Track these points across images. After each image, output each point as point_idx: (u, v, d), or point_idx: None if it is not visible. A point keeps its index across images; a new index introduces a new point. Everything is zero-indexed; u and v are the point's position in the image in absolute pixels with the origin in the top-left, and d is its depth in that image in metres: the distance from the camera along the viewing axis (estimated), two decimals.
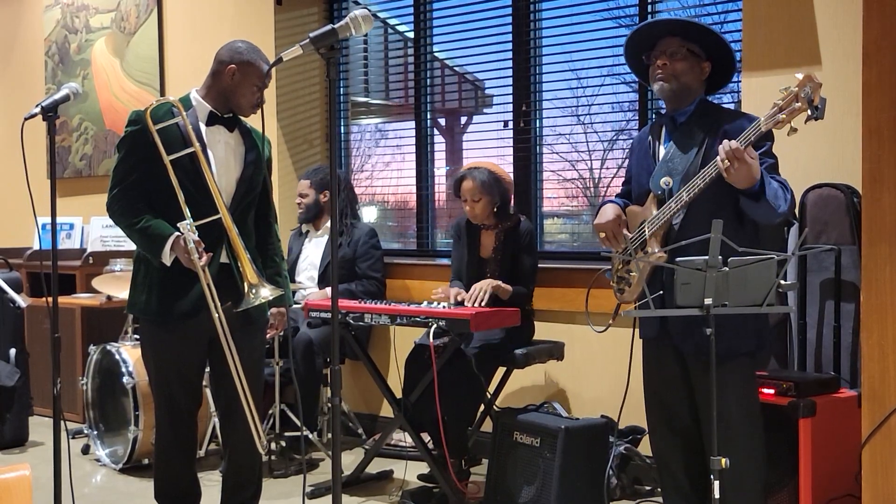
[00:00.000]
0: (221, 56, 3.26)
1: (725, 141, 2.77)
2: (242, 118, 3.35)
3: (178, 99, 3.29)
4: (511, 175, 4.48)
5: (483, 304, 3.98)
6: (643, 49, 3.14)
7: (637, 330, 3.21)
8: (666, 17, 4.37)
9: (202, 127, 3.25)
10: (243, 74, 3.22)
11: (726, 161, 2.74)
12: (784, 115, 2.72)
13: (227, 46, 3.27)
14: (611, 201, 3.25)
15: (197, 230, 3.13)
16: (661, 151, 3.13)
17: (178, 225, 3.11)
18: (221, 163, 3.26)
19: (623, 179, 3.41)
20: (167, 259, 3.16)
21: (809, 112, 2.71)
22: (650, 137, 3.19)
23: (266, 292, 3.14)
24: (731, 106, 3.96)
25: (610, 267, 3.22)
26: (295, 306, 4.63)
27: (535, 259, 4.28)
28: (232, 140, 3.30)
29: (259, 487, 3.48)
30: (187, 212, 3.13)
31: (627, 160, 3.44)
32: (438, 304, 4.02)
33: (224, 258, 3.22)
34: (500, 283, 4.08)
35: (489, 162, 4.47)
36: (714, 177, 2.84)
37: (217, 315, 3.10)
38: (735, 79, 4.04)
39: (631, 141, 3.65)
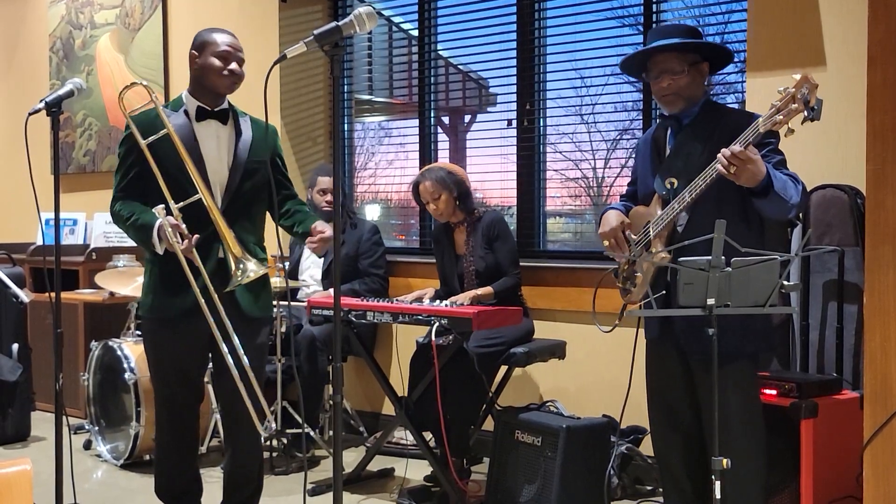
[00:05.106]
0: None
1: (723, 149, 2.77)
2: (242, 111, 3.36)
3: (173, 99, 3.35)
4: (463, 170, 4.45)
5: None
6: (639, 69, 3.17)
7: (641, 330, 3.21)
8: (670, 17, 4.38)
9: (193, 123, 3.26)
10: (201, 53, 3.25)
11: (731, 168, 2.75)
12: (781, 117, 2.72)
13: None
14: (612, 208, 3.24)
15: (184, 217, 3.11)
16: (667, 152, 3.13)
17: (154, 210, 3.09)
18: (213, 156, 3.26)
19: (629, 180, 3.41)
20: (159, 248, 3.15)
21: (806, 113, 2.71)
22: (656, 138, 3.19)
23: (252, 266, 3.12)
24: (735, 106, 3.95)
25: (616, 266, 3.22)
26: (298, 304, 4.63)
27: (511, 245, 4.28)
28: (224, 133, 3.31)
29: (260, 484, 3.48)
30: (168, 195, 3.13)
31: (633, 160, 3.44)
32: (440, 301, 4.02)
33: (221, 254, 3.21)
34: (476, 292, 4.09)
35: (440, 162, 4.47)
36: (715, 176, 2.84)
37: (201, 300, 3.09)
38: (740, 79, 4.05)
39: (634, 141, 3.63)
